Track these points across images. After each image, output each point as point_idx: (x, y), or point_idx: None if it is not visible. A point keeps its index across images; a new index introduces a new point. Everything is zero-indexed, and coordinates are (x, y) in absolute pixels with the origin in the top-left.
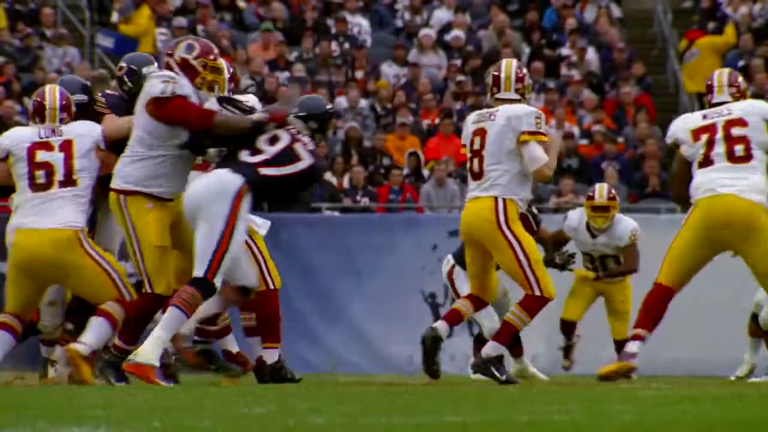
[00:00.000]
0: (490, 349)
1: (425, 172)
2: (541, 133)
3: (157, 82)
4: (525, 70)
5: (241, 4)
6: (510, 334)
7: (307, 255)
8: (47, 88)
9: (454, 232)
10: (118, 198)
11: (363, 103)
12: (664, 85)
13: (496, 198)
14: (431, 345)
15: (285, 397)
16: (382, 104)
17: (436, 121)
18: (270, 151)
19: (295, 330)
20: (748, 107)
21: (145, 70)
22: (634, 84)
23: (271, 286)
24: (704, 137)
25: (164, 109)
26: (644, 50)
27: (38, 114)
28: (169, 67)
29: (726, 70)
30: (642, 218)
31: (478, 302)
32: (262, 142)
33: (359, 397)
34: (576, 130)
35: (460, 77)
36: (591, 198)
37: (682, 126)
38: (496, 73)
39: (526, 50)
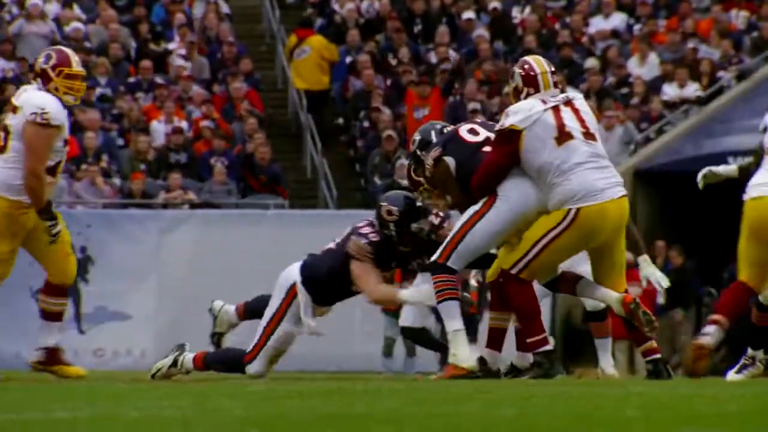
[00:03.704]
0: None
1: None
2: None
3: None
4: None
5: None
6: None
7: None
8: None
9: None
10: None
11: None
12: (272, 81)
13: None
14: None
15: None
16: None
17: None
18: None
19: None
20: None
21: None
22: (243, 80)
23: None
24: None
25: None
26: (253, 46)
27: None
28: None
29: None
30: (251, 214)
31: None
32: None
33: None
34: (185, 125)
35: None
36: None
37: None
38: None
39: (134, 45)
